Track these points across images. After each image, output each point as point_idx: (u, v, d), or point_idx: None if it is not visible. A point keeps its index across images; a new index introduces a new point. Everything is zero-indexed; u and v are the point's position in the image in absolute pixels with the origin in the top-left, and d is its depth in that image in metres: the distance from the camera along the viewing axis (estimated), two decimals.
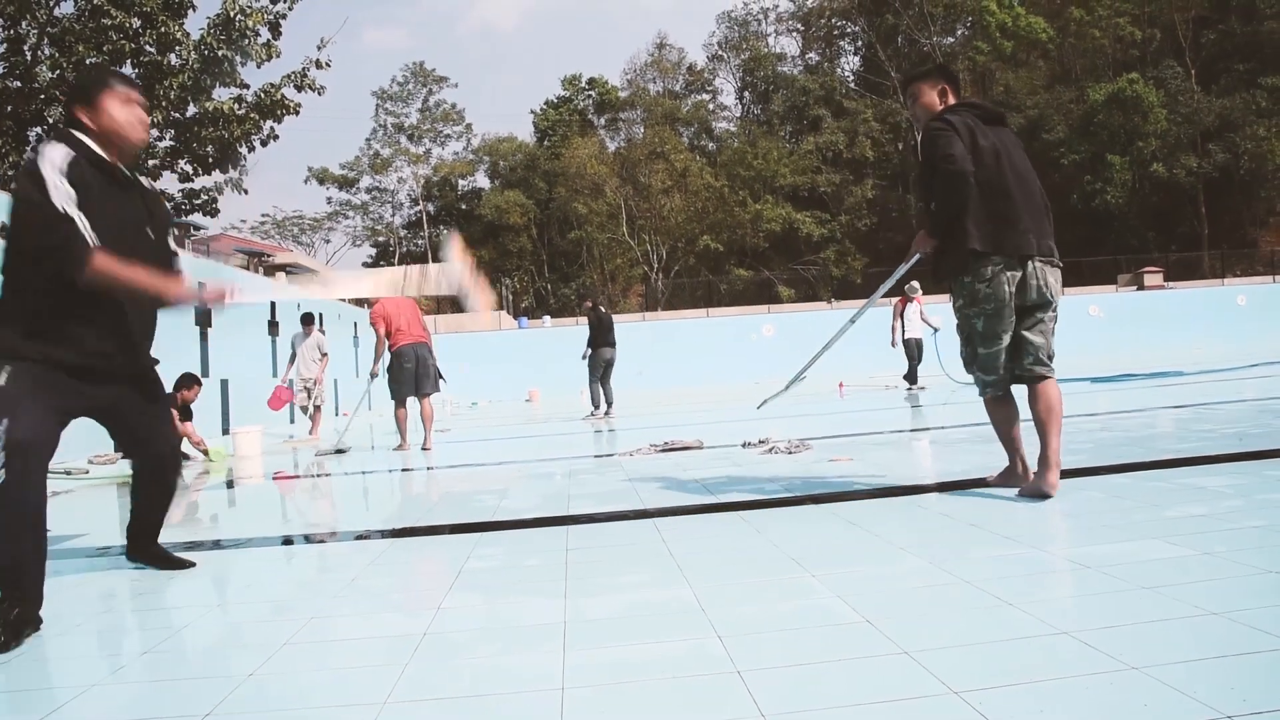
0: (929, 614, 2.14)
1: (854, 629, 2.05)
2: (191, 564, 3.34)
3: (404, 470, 7.04)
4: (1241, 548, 2.49)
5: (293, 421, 14.90)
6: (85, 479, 7.35)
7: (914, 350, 13.95)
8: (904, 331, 13.88)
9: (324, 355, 12.29)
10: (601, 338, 12.45)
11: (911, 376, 13.98)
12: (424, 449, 8.36)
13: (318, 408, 12.22)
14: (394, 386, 8.58)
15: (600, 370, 12.42)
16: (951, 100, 3.81)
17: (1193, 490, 3.45)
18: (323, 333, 12.69)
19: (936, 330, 13.33)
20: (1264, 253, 41.21)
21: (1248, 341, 23.60)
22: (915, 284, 13.95)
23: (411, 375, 8.47)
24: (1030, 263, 3.52)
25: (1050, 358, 3.62)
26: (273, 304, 15.05)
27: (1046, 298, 3.56)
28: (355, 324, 21.16)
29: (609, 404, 12.46)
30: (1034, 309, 3.59)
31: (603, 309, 12.85)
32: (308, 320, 12.61)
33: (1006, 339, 3.56)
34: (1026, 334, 3.60)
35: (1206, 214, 45.62)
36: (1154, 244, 43.06)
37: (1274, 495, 3.27)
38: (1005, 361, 3.62)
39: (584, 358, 12.68)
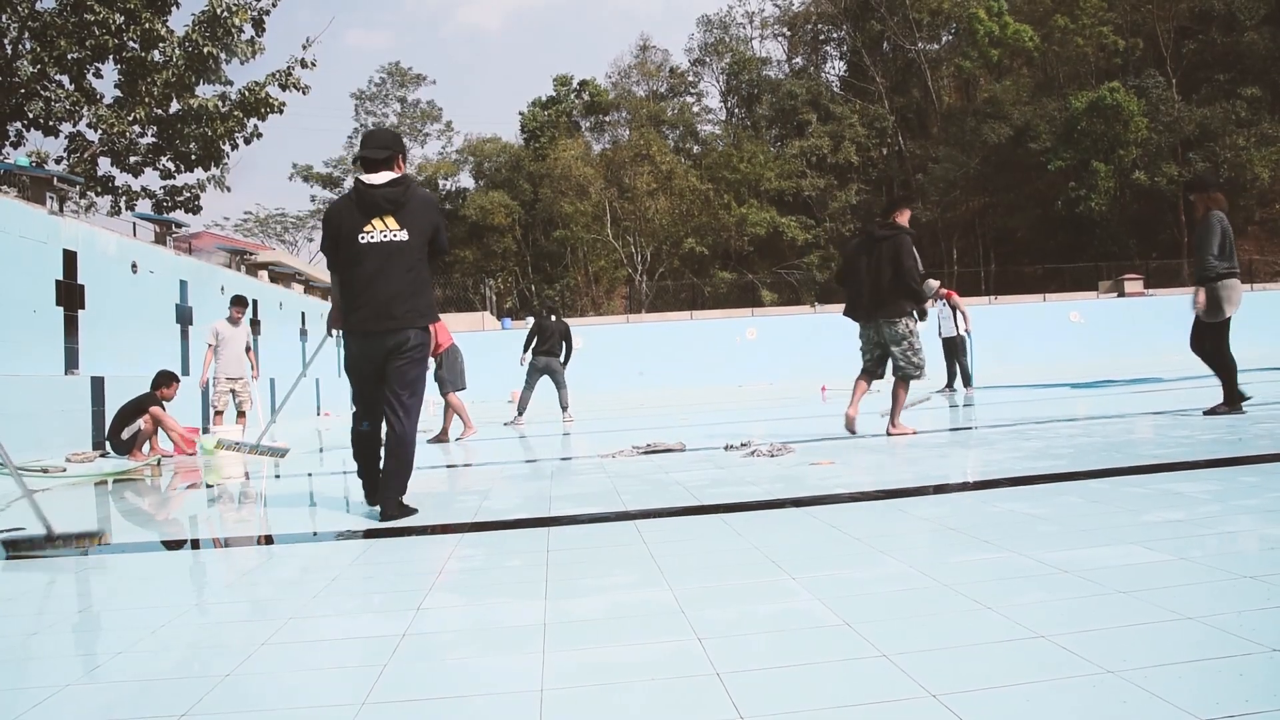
0: (908, 617, 2.15)
1: (834, 632, 2.06)
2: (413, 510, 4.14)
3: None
4: (1218, 553, 2.52)
5: (206, 431, 11.28)
6: (61, 477, 7.28)
7: (949, 348, 13.04)
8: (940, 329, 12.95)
9: (250, 349, 10.70)
10: (539, 345, 12.11)
11: (951, 375, 13.14)
12: (433, 440, 9.39)
13: (243, 412, 10.69)
14: (453, 378, 9.69)
15: (535, 376, 12.15)
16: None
17: (1170, 496, 3.47)
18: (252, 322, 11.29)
19: (968, 334, 12.86)
20: (1242, 261, 41.55)
21: None
22: (933, 282, 13.00)
23: (461, 369, 9.81)
24: (873, 324, 6.62)
25: (900, 368, 6.57)
26: (254, 300, 14.89)
27: (887, 340, 6.59)
28: None
29: (563, 409, 12.25)
30: (888, 343, 6.59)
31: (553, 317, 12.36)
32: (240, 303, 10.55)
33: (867, 355, 6.77)
34: (890, 356, 6.63)
35: (1186, 222, 45.96)
36: (1135, 251, 43.41)
37: (1250, 501, 3.30)
38: (870, 364, 6.77)
39: (521, 363, 12.30)
